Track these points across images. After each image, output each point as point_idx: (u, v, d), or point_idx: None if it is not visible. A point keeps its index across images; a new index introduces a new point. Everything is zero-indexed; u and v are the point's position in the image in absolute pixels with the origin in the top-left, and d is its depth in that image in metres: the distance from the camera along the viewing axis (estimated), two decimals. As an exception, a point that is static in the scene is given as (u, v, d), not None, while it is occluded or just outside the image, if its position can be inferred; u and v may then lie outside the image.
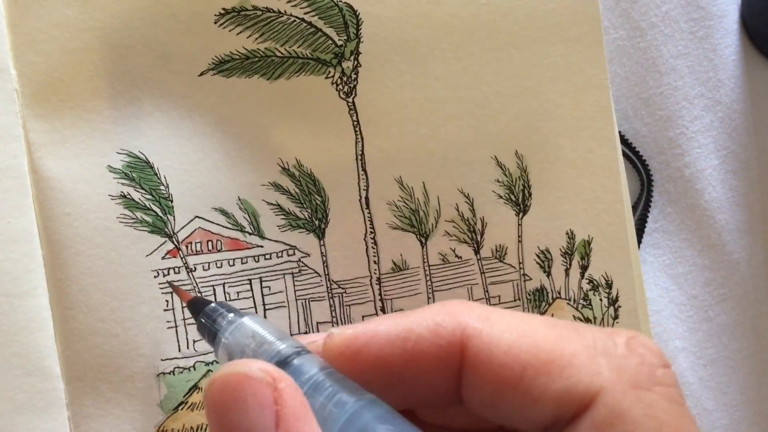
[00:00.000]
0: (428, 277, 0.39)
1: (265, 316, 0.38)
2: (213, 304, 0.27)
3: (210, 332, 0.27)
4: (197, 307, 0.28)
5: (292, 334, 0.38)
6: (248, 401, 0.22)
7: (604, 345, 0.23)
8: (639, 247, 0.46)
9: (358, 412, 0.22)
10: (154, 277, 0.36)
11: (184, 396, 0.36)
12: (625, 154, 0.46)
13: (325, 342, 0.25)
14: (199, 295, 0.37)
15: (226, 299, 0.38)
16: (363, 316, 0.39)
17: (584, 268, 0.40)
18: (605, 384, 0.22)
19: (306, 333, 0.38)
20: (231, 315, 0.27)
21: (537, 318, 0.25)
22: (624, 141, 0.46)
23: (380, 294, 0.39)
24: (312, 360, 0.24)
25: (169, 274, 0.37)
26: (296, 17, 0.38)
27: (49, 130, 0.36)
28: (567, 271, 0.40)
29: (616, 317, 0.41)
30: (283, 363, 0.24)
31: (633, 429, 0.22)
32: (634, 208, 0.46)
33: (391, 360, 0.24)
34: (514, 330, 0.24)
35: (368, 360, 0.24)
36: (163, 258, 0.37)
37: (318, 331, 0.38)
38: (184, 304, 0.30)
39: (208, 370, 0.37)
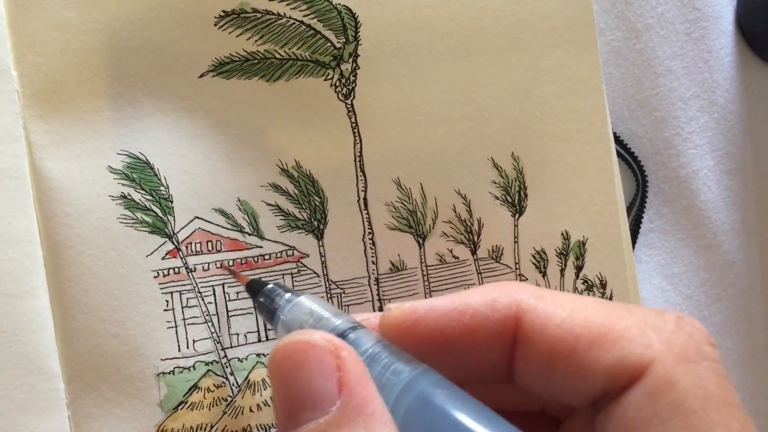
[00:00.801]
0: (426, 278, 0.40)
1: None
2: (271, 285, 0.28)
3: (269, 311, 0.28)
4: (256, 288, 0.29)
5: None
6: (312, 367, 0.23)
7: (654, 321, 0.24)
8: (634, 248, 0.46)
9: (415, 378, 0.23)
10: (154, 277, 0.36)
11: (183, 396, 0.36)
12: (620, 155, 0.46)
13: (383, 315, 0.26)
14: (255, 278, 0.37)
15: (225, 299, 0.38)
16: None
17: (579, 269, 0.41)
18: (656, 355, 0.23)
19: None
20: (288, 294, 0.28)
21: (588, 298, 0.26)
22: (619, 142, 0.46)
23: (378, 294, 0.39)
24: (368, 334, 0.25)
25: (169, 274, 0.37)
26: (295, 20, 0.38)
27: (49, 131, 0.36)
28: (562, 271, 0.41)
29: (611, 317, 0.41)
30: (340, 337, 0.25)
31: (683, 397, 0.22)
32: (630, 208, 0.46)
33: (447, 333, 0.25)
34: (567, 306, 0.25)
35: (424, 333, 0.25)
36: (163, 258, 0.37)
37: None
38: (243, 286, 0.30)
39: (208, 370, 0.37)
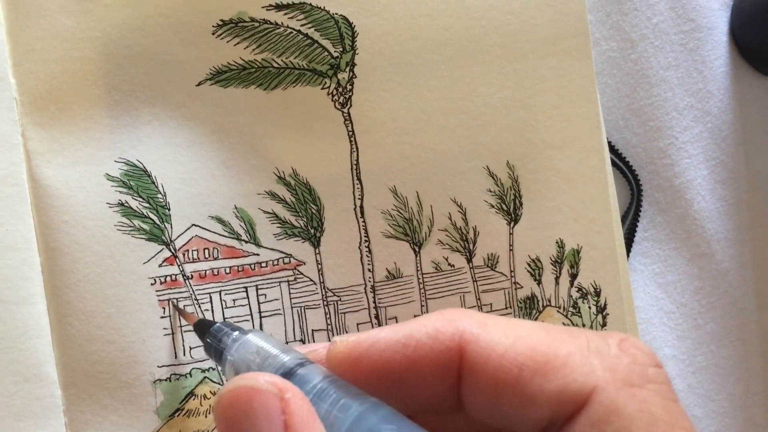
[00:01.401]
0: (422, 285, 0.40)
1: (261, 324, 0.38)
2: (217, 324, 0.28)
3: (216, 351, 0.28)
4: (203, 328, 0.29)
5: (287, 342, 0.38)
6: (257, 413, 0.22)
7: (597, 346, 0.24)
8: (629, 256, 0.46)
9: (363, 414, 0.23)
10: (151, 284, 0.36)
11: (180, 403, 0.36)
12: (615, 164, 0.46)
13: (329, 349, 0.25)
14: (203, 317, 0.37)
15: (222, 307, 0.38)
16: (358, 324, 0.39)
17: (573, 277, 0.41)
18: (599, 382, 0.23)
19: (302, 341, 0.39)
20: (235, 333, 0.27)
21: (531, 323, 0.25)
22: (614, 151, 0.46)
23: (374, 302, 0.39)
24: (315, 369, 0.25)
25: (165, 281, 0.37)
26: (293, 29, 0.38)
27: (47, 138, 0.36)
28: (557, 279, 0.41)
29: (604, 324, 0.41)
30: (287, 374, 0.24)
31: (628, 424, 0.22)
32: (624, 217, 0.47)
33: (393, 365, 0.25)
34: (510, 334, 0.24)
35: (370, 366, 0.25)
36: (160, 265, 0.37)
37: (314, 339, 0.39)
38: (191, 327, 0.30)
39: (204, 377, 0.37)
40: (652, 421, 0.22)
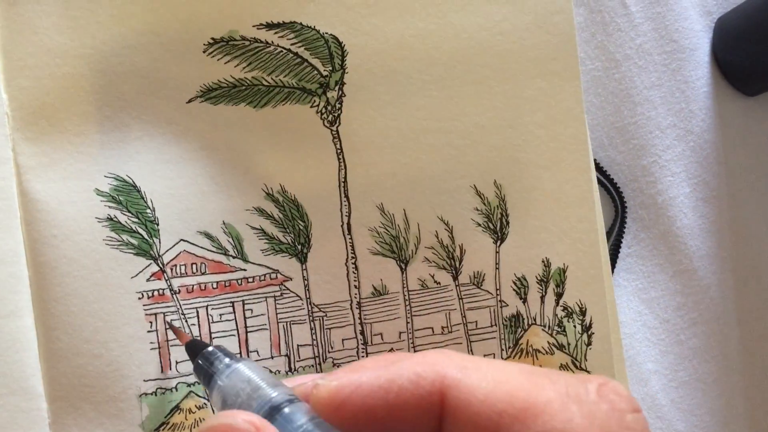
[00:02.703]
0: (407, 302, 0.40)
1: (246, 338, 0.38)
2: (211, 348, 0.28)
3: (207, 374, 0.28)
4: (195, 349, 0.29)
5: (273, 357, 0.38)
6: None
7: (576, 392, 0.24)
8: (613, 272, 0.46)
9: None
10: (139, 298, 0.37)
11: (165, 417, 0.37)
12: (600, 182, 0.46)
13: (312, 393, 0.26)
14: (197, 338, 0.37)
15: (209, 321, 0.38)
16: (343, 339, 0.39)
17: (559, 296, 0.41)
18: (577, 430, 0.23)
19: (287, 355, 0.39)
20: (227, 359, 0.28)
21: (513, 366, 0.25)
22: (599, 169, 0.46)
23: (360, 318, 0.39)
24: (302, 408, 0.25)
25: (153, 296, 0.37)
26: (283, 48, 0.38)
27: (38, 153, 0.36)
28: (542, 298, 0.41)
29: (589, 344, 0.41)
30: (275, 409, 0.25)
31: None
32: (609, 234, 0.47)
33: (375, 411, 0.25)
34: (491, 379, 0.24)
35: (353, 410, 0.25)
36: (147, 280, 0.37)
37: (299, 354, 0.39)
38: (182, 346, 0.30)
39: (190, 391, 0.37)
40: None
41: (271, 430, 0.23)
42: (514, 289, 0.41)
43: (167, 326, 0.37)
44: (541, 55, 0.40)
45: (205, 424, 0.24)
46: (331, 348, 0.39)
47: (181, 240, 0.38)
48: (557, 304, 0.41)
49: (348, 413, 0.25)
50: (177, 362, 0.37)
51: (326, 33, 0.38)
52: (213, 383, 0.27)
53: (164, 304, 0.37)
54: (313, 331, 0.39)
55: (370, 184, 0.39)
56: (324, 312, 0.39)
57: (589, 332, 0.41)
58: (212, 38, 0.38)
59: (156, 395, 0.37)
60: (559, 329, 0.41)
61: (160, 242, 0.37)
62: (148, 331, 0.37)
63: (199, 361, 0.28)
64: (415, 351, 0.39)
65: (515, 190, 0.41)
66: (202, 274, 0.38)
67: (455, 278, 0.40)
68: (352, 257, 0.39)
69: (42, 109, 0.36)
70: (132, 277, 0.37)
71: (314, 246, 0.39)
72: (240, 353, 0.38)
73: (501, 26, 0.40)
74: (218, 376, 0.27)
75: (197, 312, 0.38)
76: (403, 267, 0.40)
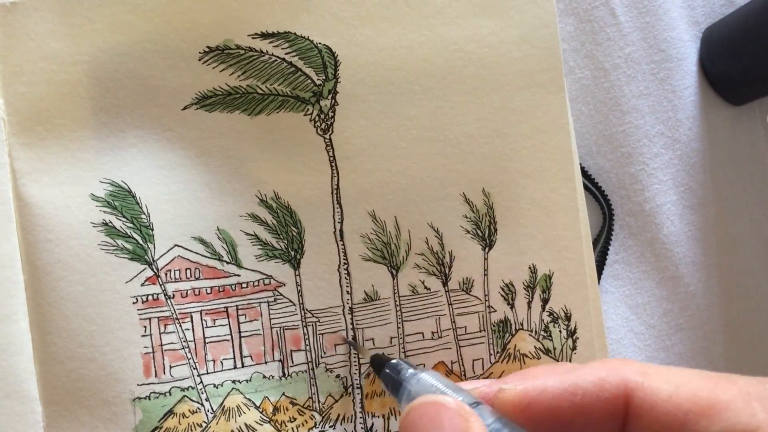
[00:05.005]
0: (398, 308, 0.40)
1: (240, 343, 0.39)
2: (395, 360, 0.32)
3: (395, 382, 0.31)
4: (380, 362, 0.33)
5: (267, 362, 0.39)
6: (444, 425, 0.24)
7: (756, 391, 0.25)
8: (600, 279, 0.47)
9: None
10: (133, 303, 0.37)
11: (159, 421, 0.37)
12: (588, 189, 0.46)
13: (497, 396, 0.27)
14: (380, 353, 0.38)
15: (202, 326, 0.38)
16: (335, 345, 0.40)
17: (545, 301, 0.41)
18: (762, 424, 0.24)
19: (280, 360, 0.39)
20: (411, 369, 0.31)
21: (689, 371, 0.27)
22: (587, 176, 0.47)
23: (352, 323, 0.40)
24: (487, 410, 0.27)
25: (147, 300, 0.37)
26: (277, 57, 0.39)
27: (34, 158, 0.36)
28: (529, 303, 0.41)
29: (574, 348, 0.42)
30: None
31: None
32: (596, 240, 0.47)
33: (560, 412, 0.26)
34: (673, 381, 0.26)
35: (539, 412, 0.27)
36: (142, 285, 0.37)
37: (292, 359, 0.39)
38: (367, 360, 0.34)
39: (183, 396, 0.37)
40: None
41: (476, 416, 0.25)
42: (501, 295, 0.41)
43: (345, 342, 0.39)
44: (527, 67, 0.41)
45: (417, 400, 0.26)
46: (324, 353, 0.39)
47: (176, 245, 0.38)
48: (543, 309, 0.42)
49: (533, 414, 0.27)
50: (171, 366, 0.37)
51: (320, 43, 0.39)
52: (402, 390, 0.30)
53: (158, 308, 0.37)
54: (306, 337, 0.39)
55: (363, 191, 0.40)
56: (317, 317, 0.39)
57: (574, 337, 0.42)
58: (208, 47, 0.38)
59: (150, 399, 0.37)
60: (545, 334, 0.42)
61: (154, 247, 0.37)
62: (143, 336, 0.37)
63: (387, 371, 0.32)
64: (405, 356, 0.40)
65: (503, 199, 0.41)
66: (197, 279, 0.38)
67: (445, 284, 0.41)
68: (345, 263, 0.40)
69: (38, 115, 0.36)
70: (126, 282, 0.37)
71: (307, 252, 0.39)
72: (233, 358, 0.38)
73: (488, 39, 0.40)
74: (407, 383, 0.30)
75: (191, 317, 0.38)
76: (394, 273, 0.40)
